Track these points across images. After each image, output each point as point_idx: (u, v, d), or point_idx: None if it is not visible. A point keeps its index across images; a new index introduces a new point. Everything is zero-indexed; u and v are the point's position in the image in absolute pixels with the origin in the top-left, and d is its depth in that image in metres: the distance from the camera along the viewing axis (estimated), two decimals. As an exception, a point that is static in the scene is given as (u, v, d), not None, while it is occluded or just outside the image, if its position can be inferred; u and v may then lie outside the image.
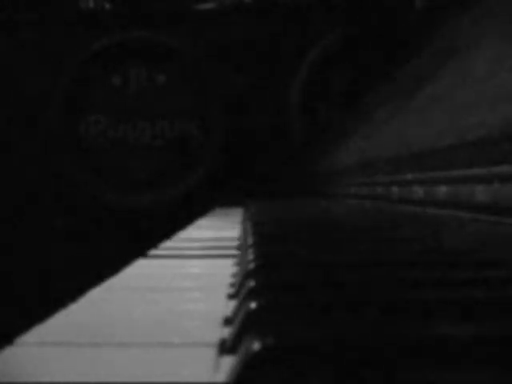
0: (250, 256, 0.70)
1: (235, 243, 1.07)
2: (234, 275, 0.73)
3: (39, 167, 3.27)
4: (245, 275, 0.60)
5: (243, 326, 0.43)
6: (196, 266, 0.83)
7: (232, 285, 0.66)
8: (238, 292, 0.58)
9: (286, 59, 3.20)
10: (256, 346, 0.35)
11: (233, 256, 0.90)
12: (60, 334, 0.47)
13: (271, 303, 0.45)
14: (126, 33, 3.29)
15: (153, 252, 0.99)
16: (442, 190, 0.95)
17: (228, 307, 0.55)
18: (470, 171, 0.82)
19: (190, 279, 0.72)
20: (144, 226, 3.16)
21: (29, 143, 3.26)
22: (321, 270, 0.62)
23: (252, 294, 0.50)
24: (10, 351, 0.42)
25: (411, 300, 0.46)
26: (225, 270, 0.77)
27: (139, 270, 0.80)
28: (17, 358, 0.41)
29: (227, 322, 0.50)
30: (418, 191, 1.09)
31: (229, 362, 0.39)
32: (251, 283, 0.53)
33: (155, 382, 0.37)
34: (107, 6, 3.40)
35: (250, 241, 0.86)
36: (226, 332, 0.46)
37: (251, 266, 0.63)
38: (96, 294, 0.63)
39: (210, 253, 0.97)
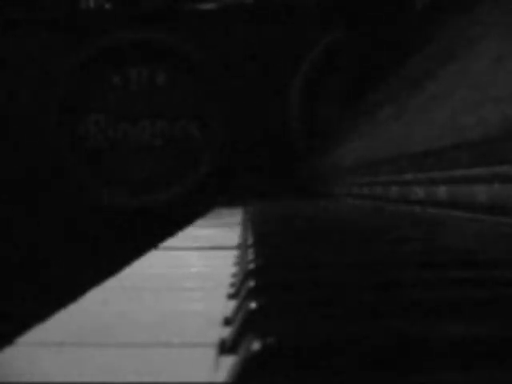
0: (250, 256, 0.71)
1: (235, 243, 1.07)
2: (234, 275, 0.73)
3: (39, 167, 3.26)
4: (245, 275, 0.60)
5: (243, 326, 0.43)
6: (196, 266, 0.83)
7: (232, 285, 0.66)
8: (238, 292, 0.58)
9: (286, 59, 3.20)
10: (256, 345, 0.35)
11: (233, 256, 0.90)
12: (60, 334, 0.47)
13: (271, 303, 0.45)
14: (126, 33, 3.29)
15: (152, 252, 0.99)
16: (442, 190, 0.95)
17: (228, 307, 0.55)
18: (470, 171, 0.82)
19: (189, 279, 0.72)
20: (144, 225, 3.16)
21: (29, 143, 3.26)
22: (321, 269, 0.62)
23: (252, 294, 0.50)
24: (10, 351, 0.42)
25: (411, 300, 0.46)
26: (225, 270, 0.77)
27: (139, 270, 0.80)
28: (17, 358, 0.41)
29: (227, 322, 0.50)
30: (418, 191, 1.09)
31: (229, 362, 0.39)
32: (251, 283, 0.53)
33: (155, 381, 0.37)
34: (107, 5, 3.40)
35: (250, 241, 0.86)
36: (226, 332, 0.46)
37: (251, 266, 0.63)
38: (96, 294, 0.63)
39: (210, 253, 0.97)
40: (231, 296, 0.60)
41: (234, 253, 0.93)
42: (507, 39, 0.95)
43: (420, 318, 0.42)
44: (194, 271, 0.79)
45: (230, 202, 2.63)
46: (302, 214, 1.61)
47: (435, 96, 1.27)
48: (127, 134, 3.32)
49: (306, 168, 3.00)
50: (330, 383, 0.33)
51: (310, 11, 3.20)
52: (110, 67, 3.31)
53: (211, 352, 0.42)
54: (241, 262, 0.78)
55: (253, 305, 0.44)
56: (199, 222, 1.73)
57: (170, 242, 1.16)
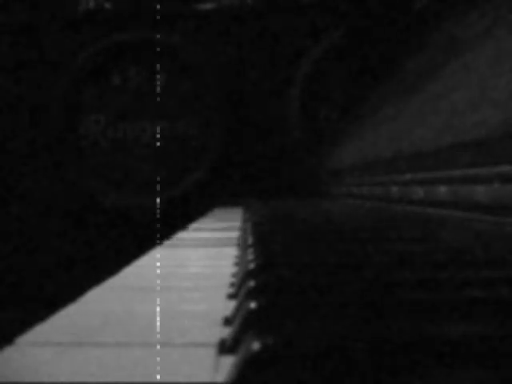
0: (250, 256, 0.71)
1: (235, 243, 1.07)
2: (234, 275, 0.73)
3: (39, 167, 3.27)
4: (245, 275, 0.60)
5: (243, 326, 0.43)
6: (196, 266, 0.83)
7: (232, 285, 0.66)
8: (238, 292, 0.58)
9: (286, 59, 3.20)
10: (256, 345, 0.35)
11: (232, 256, 0.90)
12: (60, 334, 0.47)
13: (271, 303, 0.45)
14: (126, 33, 3.29)
15: (152, 252, 0.99)
16: (442, 190, 0.95)
17: (228, 307, 0.55)
18: (470, 171, 0.82)
19: (189, 279, 0.72)
20: (144, 226, 3.16)
21: (29, 143, 3.27)
22: (321, 270, 0.62)
23: (252, 294, 0.50)
24: (10, 351, 0.42)
25: (411, 300, 0.46)
26: (225, 270, 0.77)
27: (139, 270, 0.80)
28: (17, 358, 0.41)
29: (227, 321, 0.50)
30: (418, 191, 1.09)
31: (229, 362, 0.39)
32: (251, 283, 0.53)
33: (155, 382, 0.37)
34: (107, 5, 3.40)
35: (250, 241, 0.86)
36: (226, 332, 0.46)
37: (251, 265, 0.63)
38: (96, 294, 0.63)
39: (210, 253, 0.97)
40: (231, 296, 0.60)
41: (234, 253, 0.94)
42: (507, 39, 0.95)
43: (420, 317, 0.42)
44: (194, 271, 0.79)
45: (229, 202, 2.63)
46: (302, 215, 1.61)
47: (435, 96, 1.27)
48: (127, 134, 3.32)
49: (305, 168, 3.00)
50: (330, 383, 0.33)
51: (310, 11, 3.20)
52: (110, 67, 3.31)
53: (211, 352, 0.42)
54: (241, 261, 0.78)
55: (253, 305, 0.44)
56: (199, 222, 1.73)
57: (170, 241, 1.16)
